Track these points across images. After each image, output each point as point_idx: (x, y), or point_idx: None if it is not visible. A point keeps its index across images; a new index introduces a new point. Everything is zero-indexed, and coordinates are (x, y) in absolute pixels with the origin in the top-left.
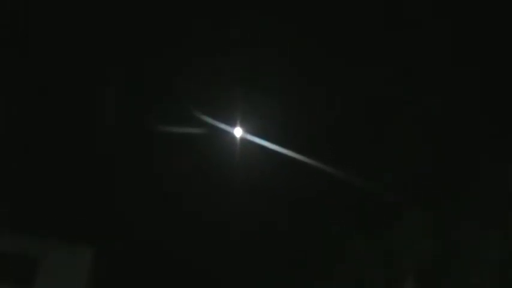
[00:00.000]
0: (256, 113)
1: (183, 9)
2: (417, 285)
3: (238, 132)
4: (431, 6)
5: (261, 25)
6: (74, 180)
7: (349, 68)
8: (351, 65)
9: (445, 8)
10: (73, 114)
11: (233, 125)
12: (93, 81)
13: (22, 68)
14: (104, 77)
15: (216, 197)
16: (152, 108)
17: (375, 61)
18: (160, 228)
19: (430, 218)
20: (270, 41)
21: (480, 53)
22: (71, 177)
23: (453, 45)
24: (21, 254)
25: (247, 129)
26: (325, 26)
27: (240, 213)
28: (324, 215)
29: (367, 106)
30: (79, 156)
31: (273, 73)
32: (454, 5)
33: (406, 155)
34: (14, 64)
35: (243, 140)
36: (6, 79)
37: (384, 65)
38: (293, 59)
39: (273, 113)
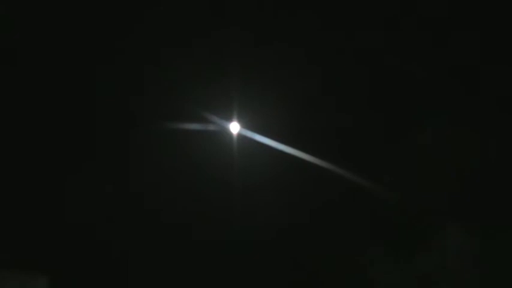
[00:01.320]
0: (254, 108)
1: (178, 5)
2: None
3: (235, 127)
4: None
5: (258, 18)
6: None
7: (353, 60)
8: (355, 57)
9: None
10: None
11: (230, 120)
12: (85, 78)
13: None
14: (96, 73)
15: (212, 196)
16: (144, 104)
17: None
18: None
19: (472, 237)
20: (268, 34)
21: None
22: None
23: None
24: None
25: (244, 125)
26: (326, 17)
27: (237, 213)
28: (335, 223)
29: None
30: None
31: (271, 66)
32: None
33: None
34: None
35: (240, 136)
36: None
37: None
38: (294, 51)
39: (271, 107)
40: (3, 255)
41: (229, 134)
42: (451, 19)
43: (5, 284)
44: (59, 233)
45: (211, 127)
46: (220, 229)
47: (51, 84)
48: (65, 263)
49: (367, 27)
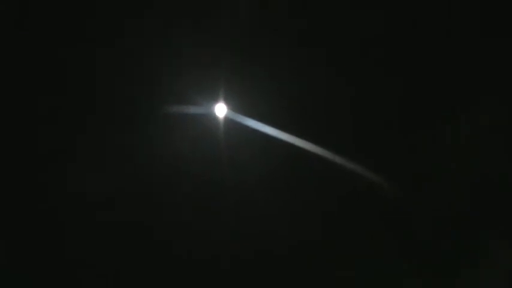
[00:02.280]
0: (242, 88)
1: None
2: None
3: (221, 110)
4: None
5: None
6: None
7: (350, 33)
8: (351, 30)
9: None
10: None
11: (215, 102)
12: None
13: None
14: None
15: (199, 185)
16: (126, 87)
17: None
18: None
19: None
20: (257, 9)
21: None
22: None
23: None
24: None
25: (231, 107)
26: None
27: (226, 202)
28: (335, 223)
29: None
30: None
31: (262, 41)
32: None
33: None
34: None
35: (226, 119)
36: None
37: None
38: (285, 26)
39: (262, 87)
40: None
41: (215, 117)
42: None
43: None
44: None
45: (194, 110)
46: (207, 222)
47: (38, 70)
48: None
49: None
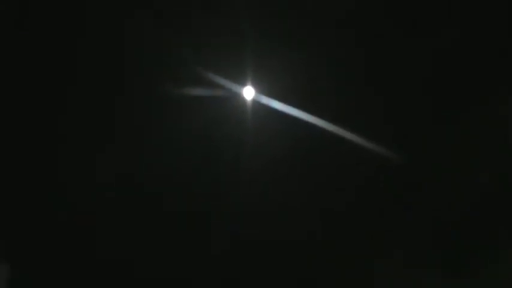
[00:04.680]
0: (270, 71)
1: None
2: None
3: (249, 93)
4: None
5: None
6: None
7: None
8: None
9: None
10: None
11: (243, 84)
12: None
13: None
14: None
15: (223, 170)
16: (154, 69)
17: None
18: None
19: None
20: None
21: None
22: None
23: None
24: None
25: (259, 90)
26: None
27: (252, 189)
28: (361, 211)
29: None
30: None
31: (290, 24)
32: None
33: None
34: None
35: (255, 102)
36: None
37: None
38: (315, 9)
39: (291, 70)
40: None
41: (243, 99)
42: None
43: None
44: (21, 218)
45: (222, 92)
46: (232, 206)
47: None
48: (28, 250)
49: None
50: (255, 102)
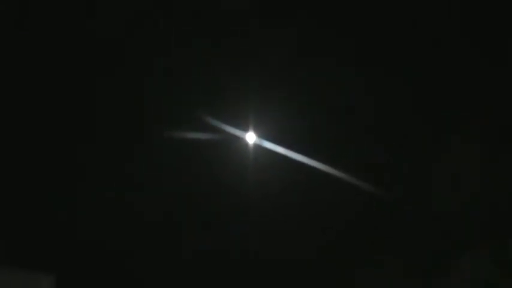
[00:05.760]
0: (271, 117)
1: (190, 9)
2: None
3: (251, 137)
4: None
5: (273, 25)
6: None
7: (375, 67)
8: (375, 65)
9: None
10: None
11: (245, 129)
12: (94, 83)
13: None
14: (103, 77)
15: (227, 209)
16: (158, 113)
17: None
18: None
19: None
20: (287, 37)
21: None
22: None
23: None
24: None
25: (261, 135)
26: (343, 24)
27: (253, 228)
28: (356, 240)
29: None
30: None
31: (288, 73)
32: None
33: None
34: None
35: (256, 146)
36: None
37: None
38: (312, 57)
39: (291, 116)
40: (7, 254)
41: (245, 144)
42: None
43: (9, 285)
44: (64, 231)
45: (225, 136)
46: (235, 244)
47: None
48: (71, 262)
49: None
50: (256, 146)
